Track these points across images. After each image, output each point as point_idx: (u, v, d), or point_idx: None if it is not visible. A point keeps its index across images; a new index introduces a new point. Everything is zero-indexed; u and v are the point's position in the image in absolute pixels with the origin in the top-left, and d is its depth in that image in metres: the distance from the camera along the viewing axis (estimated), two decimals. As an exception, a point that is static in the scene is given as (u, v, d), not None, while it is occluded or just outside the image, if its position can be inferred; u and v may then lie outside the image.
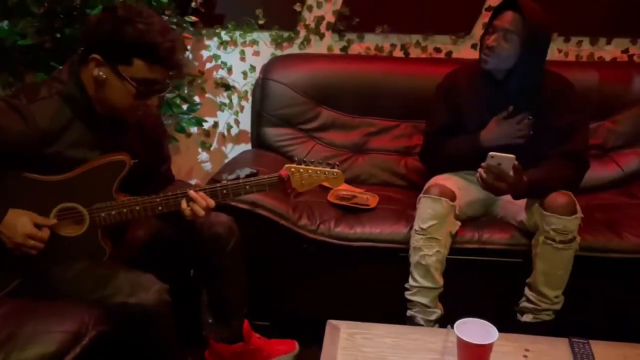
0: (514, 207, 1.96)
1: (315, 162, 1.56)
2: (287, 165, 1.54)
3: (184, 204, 1.48)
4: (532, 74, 1.91)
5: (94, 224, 1.46)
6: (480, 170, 1.79)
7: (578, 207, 1.81)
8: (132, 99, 1.42)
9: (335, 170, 1.55)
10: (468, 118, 2.00)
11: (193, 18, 2.36)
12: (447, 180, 1.98)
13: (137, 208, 1.47)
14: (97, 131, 1.45)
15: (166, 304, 1.41)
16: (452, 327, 1.37)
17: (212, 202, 1.49)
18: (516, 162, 1.75)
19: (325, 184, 1.59)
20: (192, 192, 1.48)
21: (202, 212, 1.47)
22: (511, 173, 1.76)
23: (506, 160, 1.74)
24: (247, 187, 1.52)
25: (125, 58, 1.38)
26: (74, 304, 1.35)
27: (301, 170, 1.54)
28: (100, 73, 1.39)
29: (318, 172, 1.54)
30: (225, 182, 1.53)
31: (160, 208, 1.48)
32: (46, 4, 2.02)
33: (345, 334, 1.54)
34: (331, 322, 1.58)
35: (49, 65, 2.02)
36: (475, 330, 1.37)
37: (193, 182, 2.87)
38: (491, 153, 1.75)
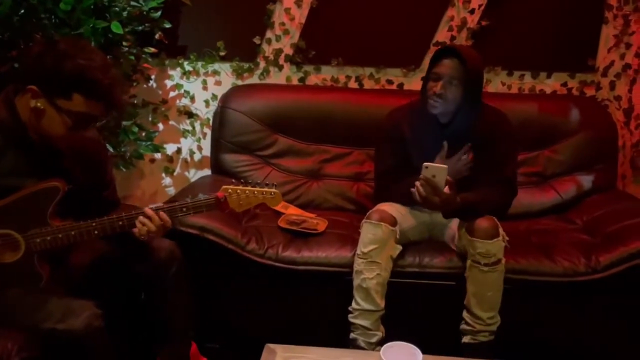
0: (451, 232, 1.94)
1: (253, 182, 1.52)
2: (223, 187, 1.49)
3: (138, 223, 1.43)
4: (474, 111, 1.91)
5: (29, 249, 1.39)
6: (417, 183, 1.77)
7: (501, 231, 1.79)
8: (67, 130, 1.37)
9: (273, 190, 1.50)
10: (416, 160, 1.95)
11: (152, 49, 2.33)
12: (389, 206, 1.95)
13: (73, 233, 1.40)
14: (32, 158, 1.40)
15: (97, 330, 1.33)
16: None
17: (168, 221, 1.45)
18: (449, 177, 1.75)
19: (270, 204, 1.54)
20: (147, 210, 1.45)
21: (154, 228, 1.43)
22: (446, 189, 1.75)
23: (440, 170, 1.73)
24: (184, 209, 1.47)
25: (64, 92, 1.33)
26: (-3, 331, 1.27)
27: (238, 191, 1.49)
28: (38, 104, 1.34)
29: (255, 192, 1.50)
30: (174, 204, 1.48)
31: (96, 232, 1.42)
32: (6, 34, 1.98)
33: (281, 357, 1.49)
34: (268, 346, 1.53)
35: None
36: (402, 353, 1.35)
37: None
38: (425, 164, 1.74)
